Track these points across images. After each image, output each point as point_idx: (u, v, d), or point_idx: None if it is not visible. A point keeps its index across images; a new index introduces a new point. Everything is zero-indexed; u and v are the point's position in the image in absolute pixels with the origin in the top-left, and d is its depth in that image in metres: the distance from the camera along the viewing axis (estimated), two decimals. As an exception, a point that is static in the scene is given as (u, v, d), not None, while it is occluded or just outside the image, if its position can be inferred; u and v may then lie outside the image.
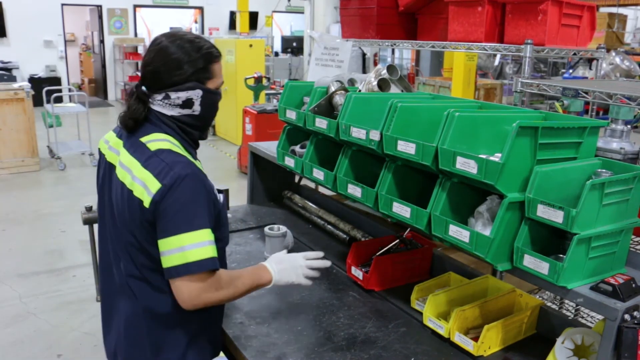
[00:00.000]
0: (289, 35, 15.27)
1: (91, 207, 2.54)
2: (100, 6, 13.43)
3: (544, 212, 1.38)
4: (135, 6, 13.95)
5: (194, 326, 1.56)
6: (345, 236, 2.47)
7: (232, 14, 14.29)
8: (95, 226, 2.57)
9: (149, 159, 1.44)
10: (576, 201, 1.36)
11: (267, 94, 8.23)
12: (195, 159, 1.57)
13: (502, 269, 1.49)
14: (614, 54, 4.38)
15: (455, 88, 7.52)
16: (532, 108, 2.77)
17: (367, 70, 6.14)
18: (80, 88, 14.17)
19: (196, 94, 1.52)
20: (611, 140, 2.33)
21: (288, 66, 12.44)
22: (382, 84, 2.19)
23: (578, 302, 1.39)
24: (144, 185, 1.41)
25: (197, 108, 1.53)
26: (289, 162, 2.33)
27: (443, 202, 1.59)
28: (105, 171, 1.59)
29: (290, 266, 1.66)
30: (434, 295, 1.78)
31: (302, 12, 12.30)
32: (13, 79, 10.96)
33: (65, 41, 13.41)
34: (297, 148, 2.37)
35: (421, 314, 1.80)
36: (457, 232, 1.51)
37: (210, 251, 1.41)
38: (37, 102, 8.28)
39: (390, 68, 2.22)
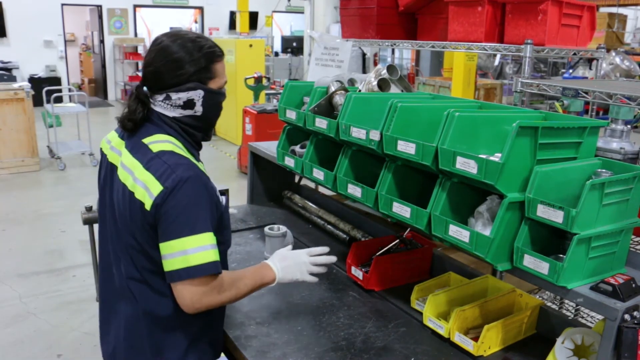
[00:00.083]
0: (289, 35, 15.27)
1: (91, 207, 2.54)
2: (100, 6, 13.43)
3: (544, 212, 1.38)
4: (135, 6, 13.95)
5: (195, 329, 1.55)
6: (345, 236, 2.47)
7: (232, 14, 14.29)
8: (96, 226, 2.57)
9: (151, 161, 1.43)
10: (576, 201, 1.36)
11: (267, 94, 8.23)
12: (198, 160, 1.56)
13: (502, 269, 1.49)
14: (614, 54, 4.37)
15: (455, 88, 7.52)
16: (532, 108, 2.77)
17: (367, 70, 6.14)
18: (80, 88, 14.17)
19: (197, 95, 1.50)
20: (611, 140, 2.33)
21: (288, 66, 12.44)
22: (382, 84, 2.19)
23: (578, 302, 1.39)
24: (145, 187, 1.40)
25: (199, 109, 1.52)
26: (289, 162, 2.33)
27: (443, 202, 1.59)
28: (107, 171, 1.58)
29: (294, 263, 1.64)
30: (434, 295, 1.78)
31: (302, 12, 12.30)
32: (13, 79, 10.96)
33: (65, 41, 13.41)
34: (297, 148, 2.37)
35: (421, 314, 1.80)
36: (457, 232, 1.51)
37: (212, 255, 1.40)
38: (37, 102, 8.29)
39: (390, 68, 2.22)
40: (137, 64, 13.87)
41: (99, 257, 1.65)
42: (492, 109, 1.85)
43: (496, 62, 10.65)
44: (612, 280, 1.37)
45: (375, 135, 1.76)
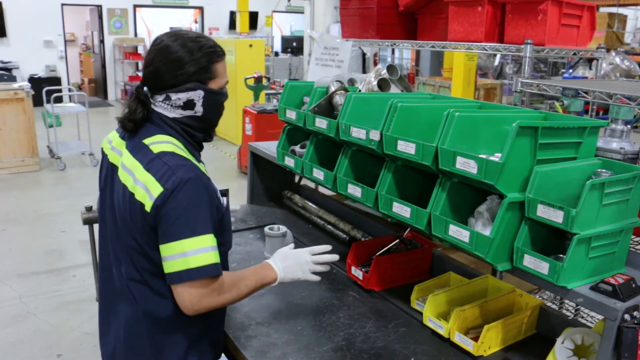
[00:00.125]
0: (289, 35, 15.27)
1: (91, 207, 2.54)
2: (100, 6, 13.43)
3: (544, 212, 1.38)
4: (135, 6, 13.95)
5: (195, 331, 1.55)
6: (345, 236, 2.47)
7: (232, 14, 14.29)
8: (96, 226, 2.57)
9: (152, 162, 1.42)
10: (576, 201, 1.36)
11: (267, 94, 8.23)
12: (199, 161, 1.55)
13: (502, 269, 1.49)
14: (614, 54, 4.38)
15: (455, 88, 7.52)
16: (532, 108, 2.77)
17: (367, 70, 6.14)
18: (80, 88, 14.17)
19: (197, 95, 1.49)
20: (611, 140, 2.33)
21: (288, 66, 12.44)
22: (382, 84, 2.19)
23: (578, 302, 1.39)
24: (145, 188, 1.40)
25: (199, 109, 1.51)
26: (289, 162, 2.33)
27: (443, 202, 1.59)
28: (108, 172, 1.58)
29: (296, 262, 1.64)
30: (434, 295, 1.78)
31: (302, 12, 12.30)
32: (13, 79, 10.96)
33: (65, 41, 13.42)
34: (297, 148, 2.37)
35: (421, 314, 1.80)
36: (457, 232, 1.51)
37: (212, 257, 1.39)
38: (37, 102, 8.29)
39: (390, 68, 2.22)
40: (137, 64, 13.87)
41: (99, 257, 1.65)
42: (492, 109, 1.85)
43: (496, 62, 10.65)
44: (612, 280, 1.37)
45: (375, 135, 1.76)
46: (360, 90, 2.21)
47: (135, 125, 1.50)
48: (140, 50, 13.74)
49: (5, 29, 12.31)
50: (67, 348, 3.40)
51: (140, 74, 13.28)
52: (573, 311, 2.90)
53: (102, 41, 13.71)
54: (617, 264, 1.50)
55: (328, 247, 1.73)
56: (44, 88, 7.85)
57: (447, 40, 3.41)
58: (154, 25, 14.63)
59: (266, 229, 2.28)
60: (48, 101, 7.33)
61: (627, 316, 1.29)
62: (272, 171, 2.86)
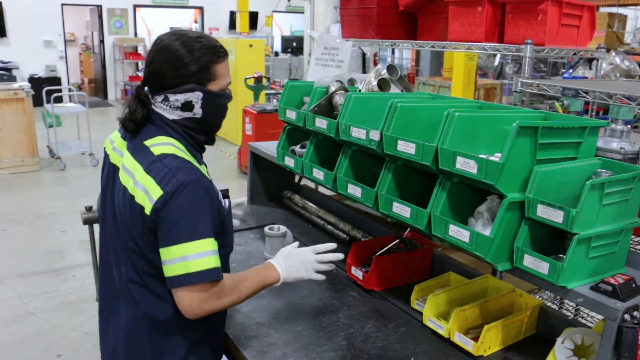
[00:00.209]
0: (289, 35, 15.27)
1: (91, 207, 2.54)
2: (100, 6, 13.43)
3: (544, 212, 1.38)
4: (135, 6, 13.95)
5: (195, 334, 1.54)
6: (345, 236, 2.47)
7: (232, 14, 14.30)
8: (96, 226, 2.58)
9: (152, 164, 1.41)
10: (576, 201, 1.36)
11: (267, 94, 8.24)
12: (201, 163, 1.54)
13: (502, 269, 1.49)
14: (614, 54, 4.38)
15: (455, 88, 7.52)
16: (532, 108, 2.77)
17: (367, 70, 6.14)
18: (80, 88, 14.17)
19: (196, 97, 1.46)
20: (611, 140, 2.33)
21: (288, 66, 12.44)
22: (382, 84, 2.19)
23: (578, 302, 1.39)
24: (145, 191, 1.38)
25: (198, 111, 1.48)
26: (289, 162, 2.33)
27: (443, 202, 1.58)
28: (109, 172, 1.57)
29: (299, 261, 1.62)
30: (434, 295, 1.78)
31: (302, 12, 12.31)
32: (13, 79, 10.96)
33: (65, 41, 13.42)
34: (297, 148, 2.37)
35: (421, 314, 1.80)
36: (457, 232, 1.51)
37: (212, 261, 1.38)
38: (37, 102, 8.29)
39: (390, 68, 2.22)
40: (137, 64, 13.87)
41: (99, 257, 1.64)
42: (492, 109, 1.85)
43: (496, 62, 10.65)
44: (612, 280, 1.37)
45: (375, 135, 1.76)
46: (360, 90, 2.21)
47: (136, 126, 1.48)
48: (140, 50, 13.74)
49: (5, 29, 12.32)
50: (67, 348, 3.40)
51: (140, 74, 13.36)
52: (573, 311, 2.90)
53: (102, 41, 13.71)
54: (617, 264, 1.50)
55: (332, 245, 1.71)
56: (44, 88, 7.85)
57: (447, 40, 3.41)
58: (154, 25, 14.63)
59: (266, 229, 2.28)
60: (48, 101, 7.33)
61: (627, 316, 1.29)
62: (272, 171, 2.86)
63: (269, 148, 2.71)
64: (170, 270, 1.37)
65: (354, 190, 1.89)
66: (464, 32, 3.27)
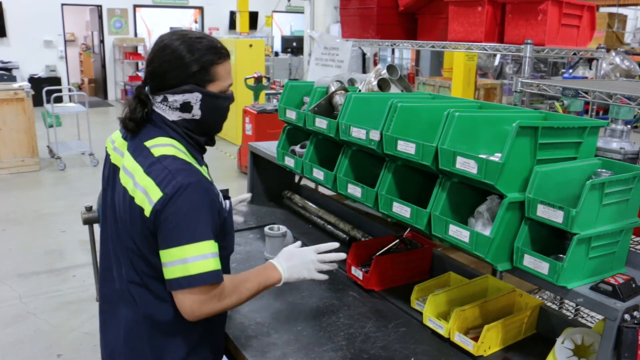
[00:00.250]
0: (289, 35, 15.28)
1: (91, 207, 2.54)
2: (100, 6, 13.43)
3: (544, 212, 1.38)
4: (135, 6, 13.95)
5: (195, 336, 1.54)
6: (345, 236, 2.47)
7: (232, 14, 14.30)
8: (96, 226, 2.58)
9: (152, 166, 1.40)
10: (576, 201, 1.36)
11: (267, 94, 8.24)
12: (202, 164, 1.53)
13: (502, 269, 1.49)
14: (614, 54, 4.38)
15: (455, 88, 7.52)
16: (532, 108, 2.77)
17: (367, 70, 6.14)
18: (80, 88, 14.17)
19: (194, 98, 1.45)
20: (611, 140, 2.33)
21: (288, 66, 12.44)
22: (382, 84, 2.19)
23: (578, 302, 1.39)
24: (145, 192, 1.37)
25: (197, 112, 1.47)
26: (289, 162, 2.33)
27: (443, 202, 1.59)
28: (110, 172, 1.56)
29: (301, 261, 1.61)
30: (434, 295, 1.78)
31: (302, 12, 12.31)
32: (13, 79, 10.96)
33: (65, 41, 13.42)
34: (297, 148, 2.37)
35: (421, 314, 1.80)
36: (457, 232, 1.51)
37: (212, 264, 1.37)
38: (37, 102, 8.29)
39: (390, 68, 2.22)
40: (137, 64, 13.88)
41: (99, 256, 1.64)
42: (492, 109, 1.85)
43: (496, 62, 10.65)
44: (612, 280, 1.37)
45: (375, 135, 1.76)
46: (360, 90, 2.21)
47: (136, 125, 1.47)
48: (140, 50, 13.74)
49: (5, 29, 12.32)
50: (67, 348, 3.40)
51: (140, 74, 13.36)
52: (573, 311, 2.90)
53: (102, 41, 13.71)
54: (617, 264, 1.50)
55: (335, 245, 1.69)
56: (44, 88, 7.85)
57: (447, 40, 3.41)
58: (154, 25, 14.63)
59: (266, 229, 2.28)
60: (48, 101, 7.33)
61: (627, 316, 1.29)
62: (272, 171, 2.86)
63: (269, 148, 2.71)
64: (170, 272, 1.37)
65: (354, 190, 1.89)
66: (464, 32, 3.27)
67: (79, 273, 4.39)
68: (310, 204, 2.78)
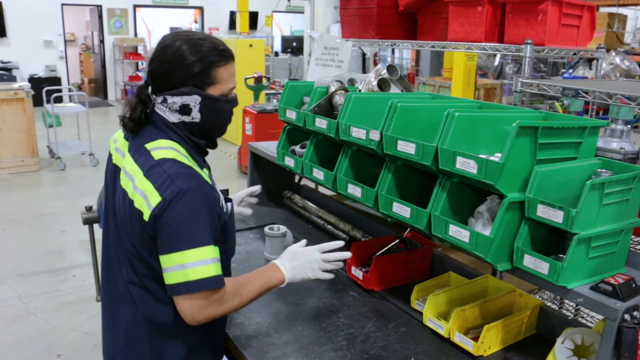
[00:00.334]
0: (289, 35, 15.27)
1: (91, 207, 2.54)
2: (100, 6, 13.43)
3: (544, 212, 1.38)
4: (135, 6, 13.95)
5: (195, 338, 1.54)
6: (345, 236, 2.47)
7: (232, 14, 14.30)
8: (96, 226, 2.58)
9: (152, 169, 1.38)
10: (576, 201, 1.36)
11: (267, 94, 8.24)
12: (203, 167, 1.52)
13: (502, 269, 1.49)
14: (614, 54, 4.38)
15: (455, 88, 7.52)
16: (532, 108, 2.77)
17: (367, 70, 6.14)
18: (80, 88, 14.17)
19: (193, 100, 1.43)
20: (611, 140, 2.33)
21: (288, 66, 12.44)
22: (382, 84, 2.19)
23: (578, 302, 1.39)
24: (144, 196, 1.36)
25: (196, 115, 1.44)
26: (289, 162, 2.33)
27: (443, 202, 1.58)
28: (111, 172, 1.56)
29: (305, 261, 1.59)
30: (434, 295, 1.78)
31: (302, 12, 12.31)
32: (13, 79, 10.96)
33: (65, 41, 13.42)
34: (297, 148, 2.37)
35: (421, 314, 1.80)
36: (457, 232, 1.51)
37: (212, 269, 1.36)
38: (37, 102, 8.29)
39: (390, 68, 2.22)
40: (137, 64, 13.88)
41: (102, 256, 1.63)
42: (492, 109, 1.85)
43: (496, 62, 10.65)
44: (612, 280, 1.37)
45: (375, 135, 1.76)
46: (360, 90, 2.22)
47: (136, 125, 1.46)
48: (140, 50, 13.74)
49: (5, 29, 12.32)
50: (67, 348, 3.40)
51: (140, 74, 13.34)
52: (573, 311, 2.90)
53: (102, 41, 13.71)
54: (617, 264, 1.50)
55: (339, 244, 1.67)
56: (44, 88, 7.85)
57: (447, 40, 3.41)
58: (154, 25, 14.63)
59: (266, 229, 2.28)
60: (48, 101, 7.33)
61: (627, 316, 1.29)
62: (272, 171, 2.86)
63: (269, 148, 2.71)
64: (170, 277, 1.36)
65: (354, 190, 1.89)
66: (464, 32, 3.27)
67: (79, 273, 4.39)
68: (310, 204, 2.78)
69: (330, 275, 1.63)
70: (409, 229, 2.19)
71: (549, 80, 3.33)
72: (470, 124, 1.55)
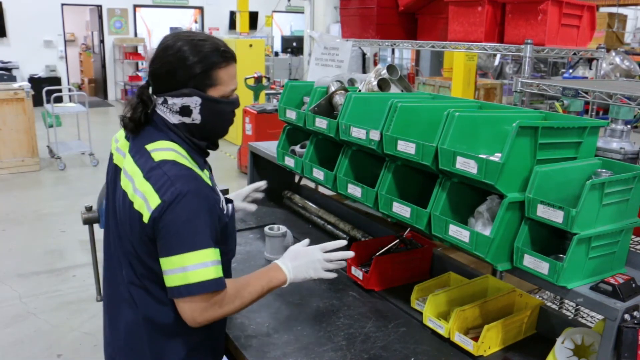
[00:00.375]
0: (289, 35, 15.27)
1: (91, 207, 2.54)
2: (100, 6, 13.43)
3: (544, 212, 1.38)
4: (135, 6, 13.95)
5: (196, 338, 1.53)
6: (345, 236, 2.47)
7: (232, 14, 14.30)
8: (96, 226, 2.58)
9: (152, 171, 1.38)
10: (576, 201, 1.36)
11: (267, 94, 8.24)
12: (204, 168, 1.51)
13: (502, 269, 1.49)
14: (614, 54, 4.38)
15: (455, 88, 7.52)
16: (532, 108, 2.77)
17: (367, 70, 6.14)
18: (80, 88, 14.17)
19: (193, 102, 1.42)
20: (611, 140, 2.33)
21: (288, 66, 12.44)
22: (382, 84, 2.19)
23: (578, 302, 1.39)
24: (144, 198, 1.36)
25: (196, 117, 1.44)
26: (289, 162, 2.33)
27: (443, 202, 1.59)
28: (112, 172, 1.55)
29: (307, 261, 1.58)
30: (434, 295, 1.78)
31: (302, 12, 12.30)
32: (13, 79, 10.96)
33: (65, 41, 13.42)
34: (297, 148, 2.37)
35: (421, 314, 1.80)
36: (457, 232, 1.51)
37: (212, 272, 1.35)
38: (37, 102, 8.29)
39: (390, 68, 2.22)
40: (137, 64, 13.88)
41: (103, 255, 1.62)
42: (492, 109, 1.85)
43: (496, 62, 10.65)
44: (612, 280, 1.37)
45: (375, 135, 1.76)
46: (360, 90, 2.22)
47: (136, 126, 1.46)
48: (140, 50, 13.74)
49: (5, 29, 12.32)
50: (67, 348, 3.40)
51: (140, 74, 13.33)
52: (573, 311, 2.90)
53: (102, 41, 13.71)
54: (617, 264, 1.50)
55: (342, 243, 1.66)
56: (44, 88, 7.85)
57: (447, 40, 3.41)
58: (154, 25, 14.63)
59: (266, 229, 2.28)
60: (48, 101, 7.33)
61: (627, 316, 1.29)
62: (272, 171, 2.86)
63: (269, 148, 2.71)
64: (171, 280, 1.36)
65: (354, 190, 1.89)
66: (464, 32, 3.27)
67: (79, 273, 4.39)
68: (310, 204, 2.78)
69: (333, 275, 1.62)
70: (409, 229, 2.19)
71: (549, 80, 3.33)
72: (470, 124, 1.55)
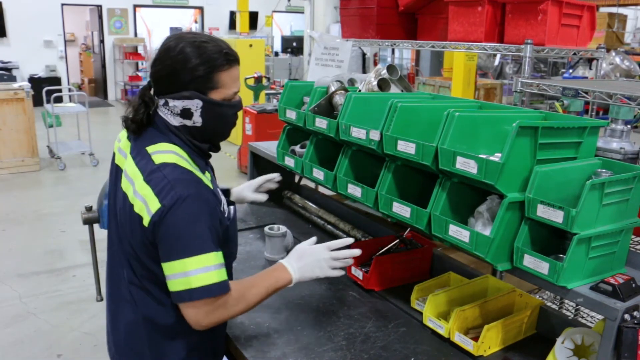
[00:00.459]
0: (289, 35, 15.27)
1: (91, 207, 2.54)
2: (100, 6, 13.43)
3: (544, 212, 1.38)
4: (135, 6, 13.95)
5: (196, 338, 1.53)
6: (345, 236, 2.46)
7: (232, 14, 14.30)
8: (96, 226, 2.58)
9: (152, 174, 1.37)
10: (576, 201, 1.36)
11: (267, 94, 8.24)
12: (205, 170, 1.50)
13: (502, 269, 1.49)
14: (614, 54, 4.38)
15: (455, 88, 7.52)
16: (532, 108, 2.77)
17: (367, 70, 6.14)
18: (80, 88, 14.17)
19: (194, 105, 1.41)
20: (611, 140, 2.33)
21: (288, 66, 12.44)
22: (382, 84, 2.19)
23: (578, 302, 1.39)
24: (144, 202, 1.35)
25: (197, 119, 1.43)
26: (289, 162, 2.33)
27: (443, 202, 1.59)
28: (114, 173, 1.55)
29: (313, 260, 1.56)
30: (434, 295, 1.78)
31: (302, 12, 12.31)
32: (13, 79, 10.96)
33: (65, 41, 13.42)
34: (297, 148, 2.37)
35: (421, 314, 1.80)
36: (457, 232, 1.51)
37: (215, 276, 1.34)
38: (37, 102, 8.29)
39: (390, 68, 2.22)
40: (137, 64, 13.88)
41: (107, 255, 1.62)
42: (492, 109, 1.85)
43: (496, 62, 10.65)
44: (612, 280, 1.37)
45: (375, 135, 1.76)
46: (360, 90, 2.22)
47: (138, 127, 1.45)
48: (140, 51, 13.74)
49: (5, 29, 12.32)
50: (67, 348, 3.40)
51: (140, 74, 13.33)
52: (573, 311, 2.90)
53: (102, 41, 13.71)
54: (617, 264, 1.50)
55: (349, 241, 1.64)
56: (44, 88, 7.85)
57: (447, 40, 3.41)
58: (154, 25, 14.64)
59: (266, 229, 2.28)
60: (48, 101, 7.33)
61: (627, 316, 1.29)
62: (272, 171, 2.85)
63: (269, 148, 2.71)
64: (173, 285, 1.35)
65: (354, 190, 1.89)
66: (464, 32, 3.27)
67: (79, 273, 4.39)
68: (310, 204, 2.78)
69: (340, 273, 1.60)
70: (409, 229, 2.19)
71: (549, 80, 3.33)
72: (470, 124, 1.55)
